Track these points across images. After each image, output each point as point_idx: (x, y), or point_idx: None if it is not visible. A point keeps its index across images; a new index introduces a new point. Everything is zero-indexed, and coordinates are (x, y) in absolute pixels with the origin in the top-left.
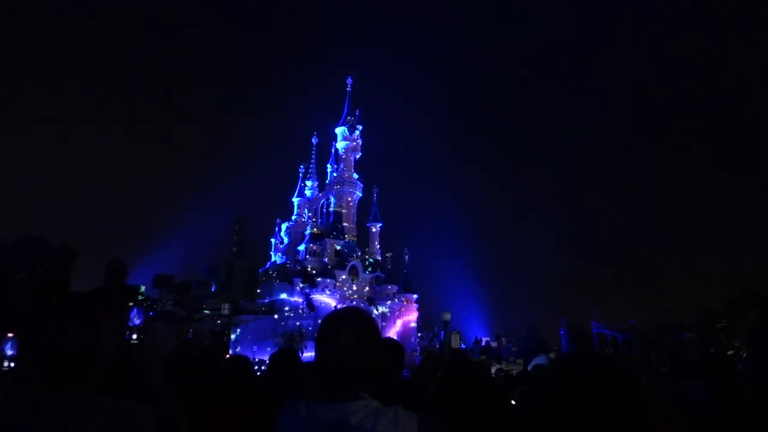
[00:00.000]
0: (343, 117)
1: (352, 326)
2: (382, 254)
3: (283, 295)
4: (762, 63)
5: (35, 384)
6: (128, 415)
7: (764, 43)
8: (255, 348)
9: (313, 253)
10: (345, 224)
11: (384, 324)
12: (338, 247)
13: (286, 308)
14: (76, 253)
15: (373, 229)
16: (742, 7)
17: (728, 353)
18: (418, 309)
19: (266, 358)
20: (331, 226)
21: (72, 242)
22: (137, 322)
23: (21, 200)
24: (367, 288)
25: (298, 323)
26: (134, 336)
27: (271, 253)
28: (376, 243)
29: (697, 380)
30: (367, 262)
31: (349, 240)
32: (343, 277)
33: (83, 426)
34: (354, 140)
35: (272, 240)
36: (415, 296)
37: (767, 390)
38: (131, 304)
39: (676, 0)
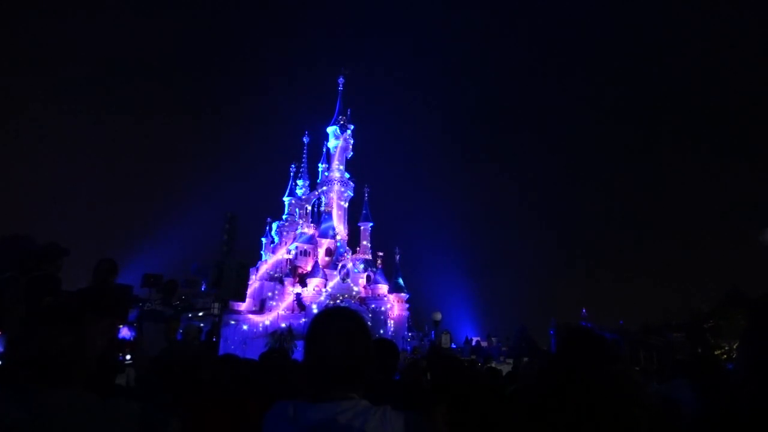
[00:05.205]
0: (335, 116)
1: (342, 326)
2: (373, 254)
3: (274, 294)
4: (757, 64)
5: (24, 381)
6: (115, 412)
7: (758, 42)
8: (245, 348)
9: (303, 253)
10: (336, 224)
11: (374, 324)
12: (329, 247)
13: (277, 308)
14: (65, 251)
15: (364, 229)
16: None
17: (715, 353)
18: (408, 309)
19: (256, 358)
20: (322, 225)
21: (60, 241)
22: (128, 336)
23: (5, 197)
24: (357, 288)
25: (288, 323)
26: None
27: (262, 252)
28: (367, 242)
29: (684, 380)
30: (357, 262)
31: (340, 239)
32: (334, 276)
33: (72, 422)
34: (345, 139)
35: (263, 239)
36: (405, 296)
37: (756, 391)
38: (127, 306)
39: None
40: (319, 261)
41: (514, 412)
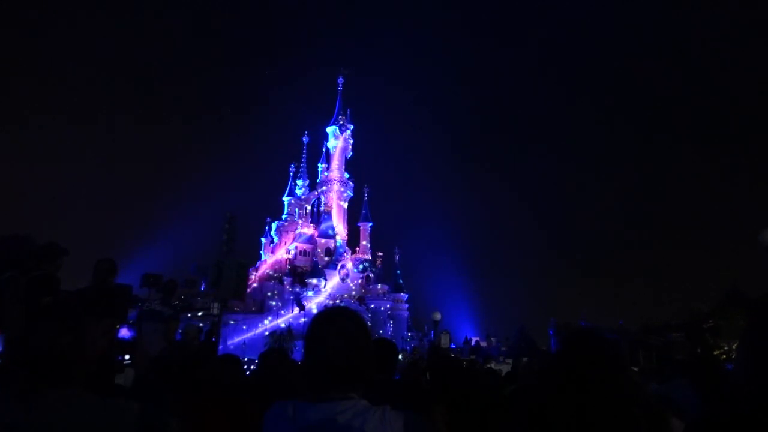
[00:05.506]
0: (335, 116)
1: (342, 326)
2: (373, 254)
3: (273, 294)
4: (758, 64)
5: (23, 381)
6: (114, 412)
7: (759, 41)
8: (245, 347)
9: (303, 253)
10: (335, 223)
11: (374, 324)
12: (328, 247)
13: (276, 307)
14: (64, 251)
15: (364, 229)
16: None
17: (715, 353)
18: (408, 309)
19: (255, 357)
20: (321, 225)
21: (59, 241)
22: (127, 336)
23: (6, 198)
24: (357, 287)
25: (287, 323)
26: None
27: (261, 252)
28: (367, 242)
29: (683, 380)
30: (357, 262)
31: (339, 239)
32: (334, 276)
33: (71, 421)
34: (345, 139)
35: (262, 239)
36: (405, 296)
37: (756, 391)
38: (126, 306)
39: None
40: (319, 261)
41: (513, 413)
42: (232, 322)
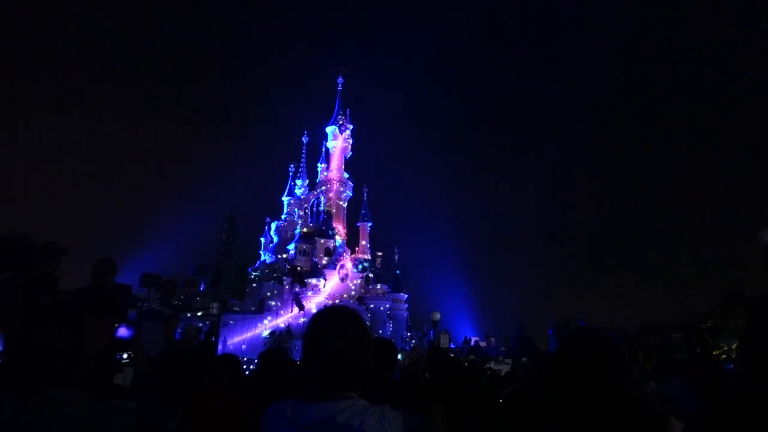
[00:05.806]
0: (334, 116)
1: (340, 325)
2: (372, 253)
3: (273, 294)
4: (756, 63)
5: (22, 381)
6: (112, 412)
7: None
8: (244, 347)
9: (302, 253)
10: (335, 223)
11: (373, 324)
12: (328, 247)
13: (276, 307)
14: (63, 251)
15: (363, 229)
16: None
17: (714, 353)
18: (407, 308)
19: (255, 357)
20: (321, 225)
21: (59, 240)
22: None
23: (5, 197)
24: (356, 287)
25: (286, 323)
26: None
27: (261, 252)
28: (366, 242)
29: (683, 380)
30: (357, 261)
31: (338, 239)
32: (333, 276)
33: (70, 421)
34: (345, 139)
35: (262, 239)
36: (404, 296)
37: (755, 391)
38: (125, 306)
39: None
40: (318, 261)
41: (512, 412)
42: (231, 322)
